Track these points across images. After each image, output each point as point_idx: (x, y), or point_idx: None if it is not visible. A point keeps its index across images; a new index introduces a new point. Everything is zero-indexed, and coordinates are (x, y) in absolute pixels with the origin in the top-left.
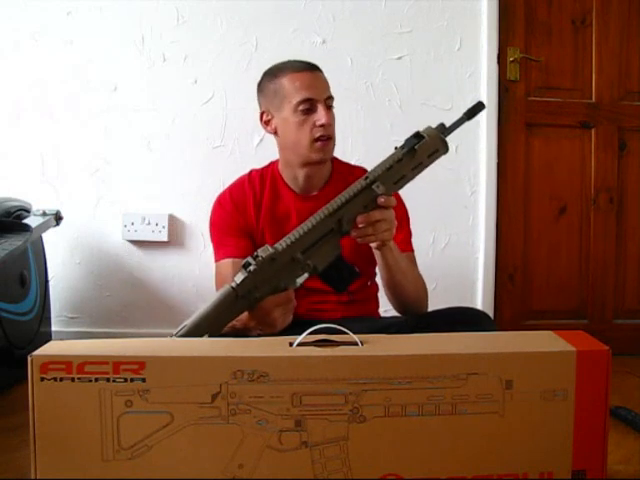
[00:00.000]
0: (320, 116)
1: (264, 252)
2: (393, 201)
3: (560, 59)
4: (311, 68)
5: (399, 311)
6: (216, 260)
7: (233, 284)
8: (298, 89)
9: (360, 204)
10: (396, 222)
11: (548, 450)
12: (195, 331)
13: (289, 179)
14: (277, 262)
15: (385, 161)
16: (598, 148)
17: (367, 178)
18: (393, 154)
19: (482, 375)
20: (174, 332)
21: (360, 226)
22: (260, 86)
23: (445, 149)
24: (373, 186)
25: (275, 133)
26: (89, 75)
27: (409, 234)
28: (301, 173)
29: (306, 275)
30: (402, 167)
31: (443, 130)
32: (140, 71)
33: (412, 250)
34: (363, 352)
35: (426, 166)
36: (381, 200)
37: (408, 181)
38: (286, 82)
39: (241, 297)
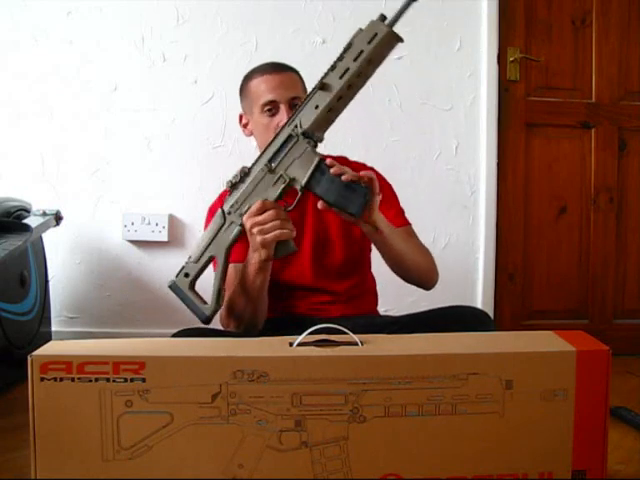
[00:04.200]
0: (281, 118)
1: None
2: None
3: (560, 59)
4: (277, 69)
5: (411, 283)
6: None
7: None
8: (262, 92)
9: (311, 106)
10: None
11: (548, 450)
12: (199, 255)
13: None
14: (252, 176)
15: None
16: (598, 148)
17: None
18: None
19: (482, 375)
20: (187, 260)
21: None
22: (239, 90)
23: (385, 29)
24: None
25: (252, 135)
26: (89, 75)
27: (400, 210)
28: None
29: (282, 186)
30: (344, 63)
31: (383, 19)
32: (140, 71)
33: (408, 223)
34: (363, 352)
35: (372, 54)
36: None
37: (355, 74)
38: (253, 85)
39: (228, 213)
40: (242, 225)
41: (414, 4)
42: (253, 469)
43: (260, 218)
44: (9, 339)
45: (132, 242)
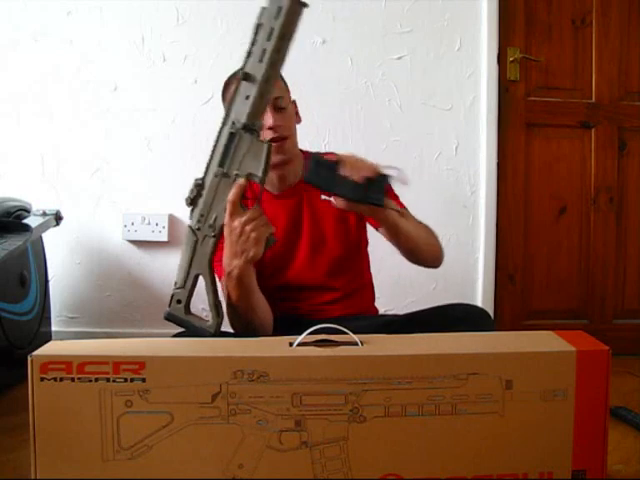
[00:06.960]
0: (266, 119)
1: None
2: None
3: (560, 59)
4: None
5: (423, 265)
6: (219, 276)
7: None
8: None
9: (242, 98)
10: None
11: (548, 450)
12: (185, 279)
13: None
14: (207, 186)
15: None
16: (598, 148)
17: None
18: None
19: (482, 375)
20: (174, 287)
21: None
22: (222, 97)
23: (287, 0)
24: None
25: None
26: (89, 75)
27: (394, 195)
28: (273, 175)
29: (240, 180)
30: (259, 45)
31: None
32: (140, 71)
33: (402, 207)
34: (363, 352)
35: (283, 29)
36: None
37: (274, 51)
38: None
39: (197, 229)
40: (215, 236)
41: (414, 4)
42: (253, 469)
43: (246, 217)
44: (9, 339)
45: (132, 242)
